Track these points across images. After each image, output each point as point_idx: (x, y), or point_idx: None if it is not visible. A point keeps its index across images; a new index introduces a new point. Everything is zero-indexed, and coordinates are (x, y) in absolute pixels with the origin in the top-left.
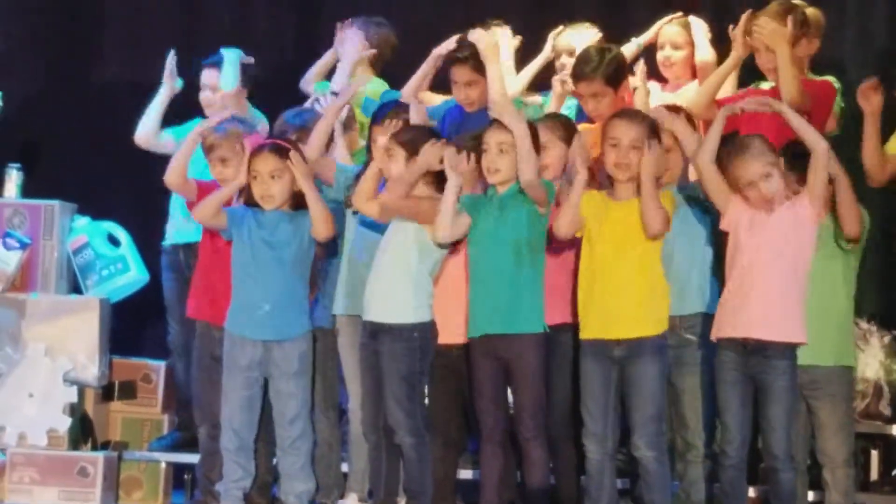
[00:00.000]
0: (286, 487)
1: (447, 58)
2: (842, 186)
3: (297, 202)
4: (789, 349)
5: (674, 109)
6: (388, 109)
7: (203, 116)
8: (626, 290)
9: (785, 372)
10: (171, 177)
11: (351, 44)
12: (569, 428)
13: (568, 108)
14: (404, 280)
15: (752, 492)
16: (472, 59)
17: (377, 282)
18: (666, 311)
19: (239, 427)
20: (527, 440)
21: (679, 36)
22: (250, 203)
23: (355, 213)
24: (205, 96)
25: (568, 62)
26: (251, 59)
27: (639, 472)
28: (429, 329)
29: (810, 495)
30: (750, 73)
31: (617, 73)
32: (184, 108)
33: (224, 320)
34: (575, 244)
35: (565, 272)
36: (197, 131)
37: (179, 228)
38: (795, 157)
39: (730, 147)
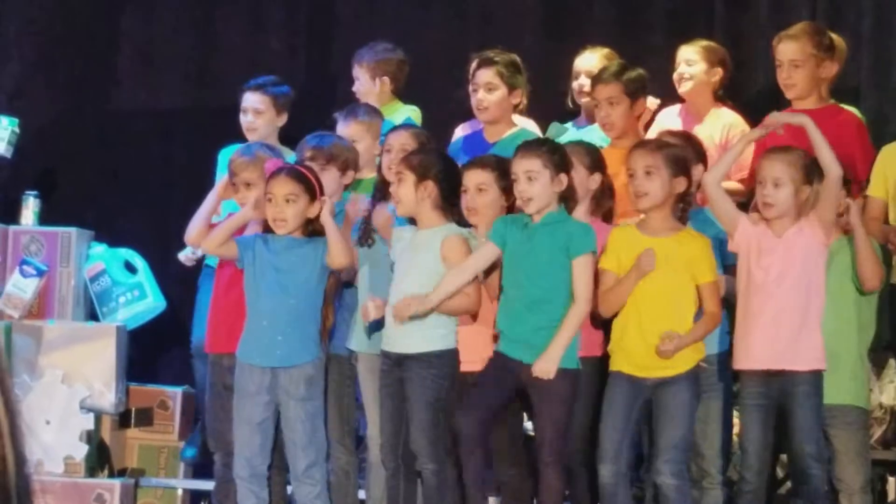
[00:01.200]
0: None
1: (478, 61)
2: (859, 237)
3: (311, 228)
4: (814, 373)
5: (680, 135)
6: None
7: (241, 140)
8: (659, 333)
9: (811, 396)
10: (194, 238)
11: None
12: (585, 455)
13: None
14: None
15: None
16: (500, 65)
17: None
18: (699, 347)
19: (251, 454)
20: (545, 465)
21: (693, 53)
22: (268, 230)
23: (370, 245)
24: (247, 121)
25: (587, 83)
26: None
27: (658, 499)
28: (455, 356)
29: None
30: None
31: (636, 88)
32: (196, 134)
33: (232, 348)
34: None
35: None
36: (216, 191)
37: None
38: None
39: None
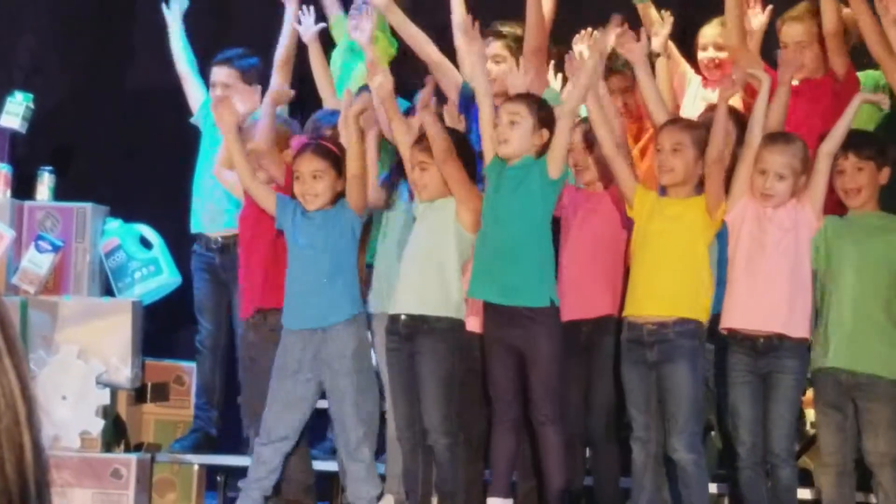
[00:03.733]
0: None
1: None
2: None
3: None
4: (801, 346)
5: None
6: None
7: None
8: (668, 267)
9: (794, 371)
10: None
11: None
12: (610, 431)
13: None
14: (443, 271)
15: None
16: (509, 38)
17: (414, 274)
18: (704, 303)
19: (275, 429)
20: (541, 424)
21: (723, 37)
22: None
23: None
24: (216, 95)
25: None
26: None
27: (676, 474)
28: (463, 328)
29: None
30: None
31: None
32: None
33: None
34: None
35: (612, 262)
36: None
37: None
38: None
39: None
